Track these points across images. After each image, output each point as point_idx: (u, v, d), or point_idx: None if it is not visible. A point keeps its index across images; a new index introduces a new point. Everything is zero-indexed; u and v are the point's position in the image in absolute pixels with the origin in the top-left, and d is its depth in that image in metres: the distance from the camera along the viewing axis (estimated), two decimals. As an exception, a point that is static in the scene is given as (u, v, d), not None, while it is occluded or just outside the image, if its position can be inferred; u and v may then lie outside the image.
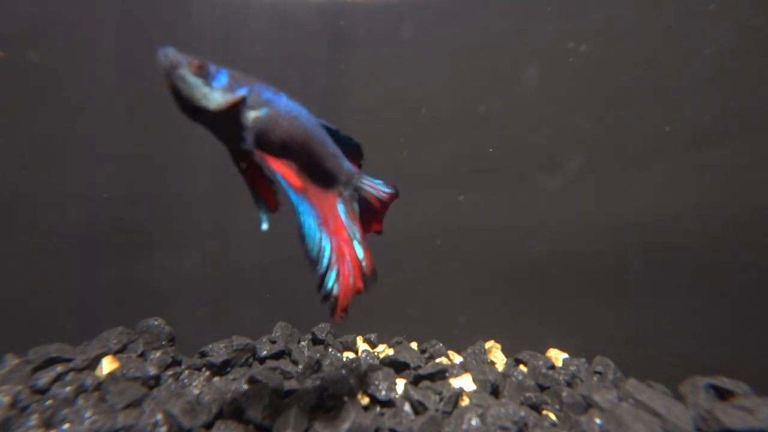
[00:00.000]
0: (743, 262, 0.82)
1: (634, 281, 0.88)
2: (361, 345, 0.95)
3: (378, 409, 0.71)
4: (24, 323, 0.86)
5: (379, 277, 0.58)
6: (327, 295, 0.52)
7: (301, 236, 0.51)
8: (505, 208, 0.94)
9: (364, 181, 0.63)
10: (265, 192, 0.53)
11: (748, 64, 0.80)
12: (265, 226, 0.50)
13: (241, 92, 0.48)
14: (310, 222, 0.51)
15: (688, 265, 0.85)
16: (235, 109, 0.48)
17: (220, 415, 0.66)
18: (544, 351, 0.92)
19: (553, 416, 0.73)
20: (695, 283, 0.85)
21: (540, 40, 0.90)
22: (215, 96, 0.46)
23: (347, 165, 0.60)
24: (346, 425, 0.62)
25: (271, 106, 0.50)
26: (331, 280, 0.52)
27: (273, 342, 0.89)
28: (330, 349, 0.90)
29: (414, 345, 0.94)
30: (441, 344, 0.93)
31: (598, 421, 0.67)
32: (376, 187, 0.64)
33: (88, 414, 0.64)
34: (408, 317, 0.97)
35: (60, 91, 0.86)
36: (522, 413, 0.67)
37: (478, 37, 0.92)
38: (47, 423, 0.65)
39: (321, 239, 0.52)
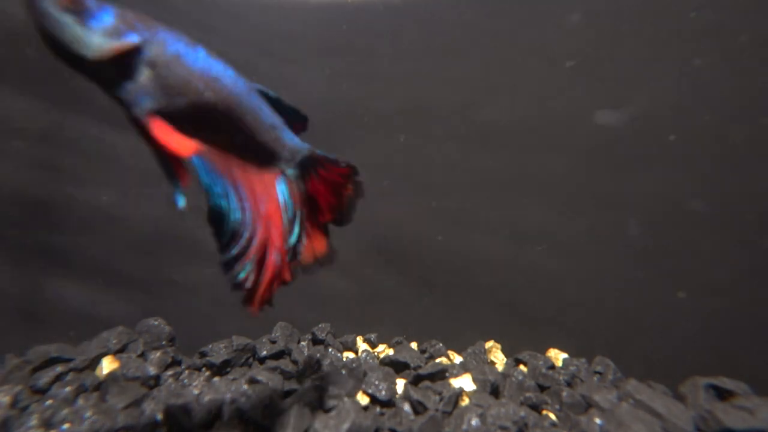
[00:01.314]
0: (743, 263, 0.82)
1: (633, 281, 0.88)
2: (361, 345, 0.95)
3: (378, 409, 0.71)
4: (24, 323, 0.86)
5: (331, 261, 0.55)
6: (239, 285, 0.47)
7: (210, 220, 0.44)
8: (505, 208, 0.93)
9: (317, 157, 0.53)
10: (176, 162, 0.42)
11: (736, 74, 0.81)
12: (181, 203, 0.40)
13: (131, 38, 0.36)
14: (224, 205, 0.45)
15: (687, 265, 0.85)
16: (125, 61, 0.37)
17: (220, 415, 0.66)
18: (544, 351, 0.92)
19: (553, 416, 0.73)
20: (695, 283, 0.84)
21: (537, 45, 0.90)
22: (93, 40, 0.35)
23: (291, 139, 0.51)
24: (346, 425, 0.62)
25: (181, 62, 0.39)
26: (245, 269, 0.47)
27: (273, 342, 0.89)
28: (330, 349, 0.90)
29: (414, 345, 0.94)
30: (441, 344, 0.93)
31: (598, 421, 0.67)
32: (330, 163, 0.55)
33: (88, 414, 0.64)
34: (408, 317, 0.97)
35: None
36: (522, 413, 0.67)
37: (477, 38, 0.92)
38: (47, 423, 0.65)
39: (241, 224, 0.46)
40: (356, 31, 0.93)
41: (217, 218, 0.45)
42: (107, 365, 0.79)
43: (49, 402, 0.69)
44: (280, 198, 0.50)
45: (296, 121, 0.54)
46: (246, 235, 0.46)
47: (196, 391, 0.75)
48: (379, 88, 0.94)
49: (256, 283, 0.48)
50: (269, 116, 0.49)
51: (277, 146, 0.50)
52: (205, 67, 0.41)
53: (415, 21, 0.93)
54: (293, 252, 0.52)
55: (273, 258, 0.48)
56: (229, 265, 0.46)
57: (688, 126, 0.84)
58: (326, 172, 0.54)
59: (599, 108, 0.89)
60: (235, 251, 0.46)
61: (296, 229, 0.52)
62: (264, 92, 0.49)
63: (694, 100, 0.84)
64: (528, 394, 0.75)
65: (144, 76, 0.38)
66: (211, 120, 0.43)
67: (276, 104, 0.51)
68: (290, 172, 0.52)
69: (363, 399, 0.72)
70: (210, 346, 0.85)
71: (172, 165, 0.41)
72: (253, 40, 0.92)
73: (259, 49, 0.92)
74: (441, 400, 0.71)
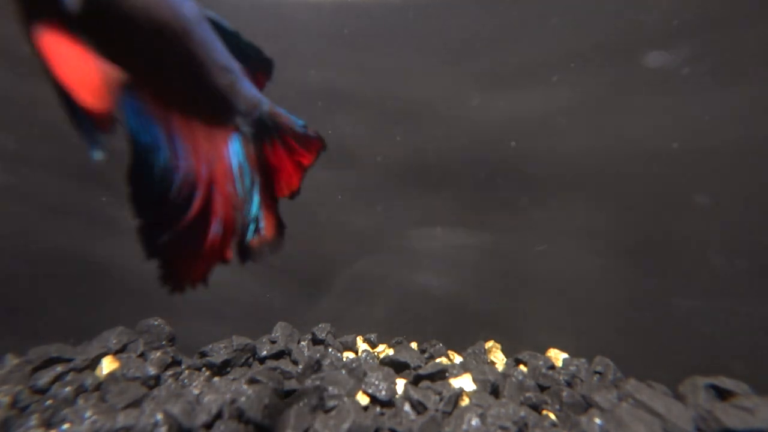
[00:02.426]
0: (743, 262, 0.82)
1: (633, 281, 0.88)
2: (361, 345, 0.95)
3: (378, 409, 0.71)
4: (24, 323, 0.86)
5: (280, 245, 0.47)
6: (157, 253, 0.38)
7: (131, 175, 0.34)
8: (504, 208, 0.94)
9: (279, 114, 0.45)
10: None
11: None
12: (98, 155, 0.29)
13: None
14: (152, 159, 0.35)
15: (687, 266, 0.85)
16: None
17: (220, 415, 0.66)
18: (544, 351, 0.92)
19: (553, 416, 0.73)
20: (695, 283, 0.84)
21: (533, 47, 0.90)
22: None
23: (249, 89, 0.43)
24: (346, 425, 0.62)
25: None
26: (172, 236, 0.37)
27: (273, 342, 0.89)
28: (330, 349, 0.90)
29: (414, 345, 0.94)
30: (441, 344, 0.93)
31: (598, 421, 0.67)
32: (294, 126, 0.46)
33: (88, 414, 0.64)
34: (408, 317, 0.97)
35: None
36: (522, 413, 0.67)
37: (474, 37, 0.92)
38: (47, 423, 0.65)
39: (171, 184, 0.36)
40: (357, 30, 0.93)
41: (141, 174, 0.35)
42: (107, 365, 0.79)
43: (49, 402, 0.69)
44: (233, 159, 0.41)
45: (259, 68, 0.45)
46: (176, 197, 0.36)
47: (196, 391, 0.75)
48: (378, 88, 0.94)
49: (185, 255, 0.39)
50: (223, 55, 0.39)
51: (231, 94, 0.40)
52: None
53: (414, 21, 0.93)
54: (252, 226, 0.44)
55: (213, 229, 0.40)
56: (148, 229, 0.36)
57: (689, 125, 0.84)
58: (292, 138, 0.46)
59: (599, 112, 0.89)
60: (158, 213, 0.36)
61: (255, 199, 0.44)
62: (218, 23, 0.39)
63: (694, 103, 0.84)
64: (528, 394, 0.75)
65: None
66: (147, 47, 0.32)
67: (233, 42, 0.41)
68: (247, 129, 0.43)
69: (363, 399, 0.72)
70: (210, 346, 0.85)
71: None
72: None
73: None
74: (441, 400, 0.71)
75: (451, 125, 0.94)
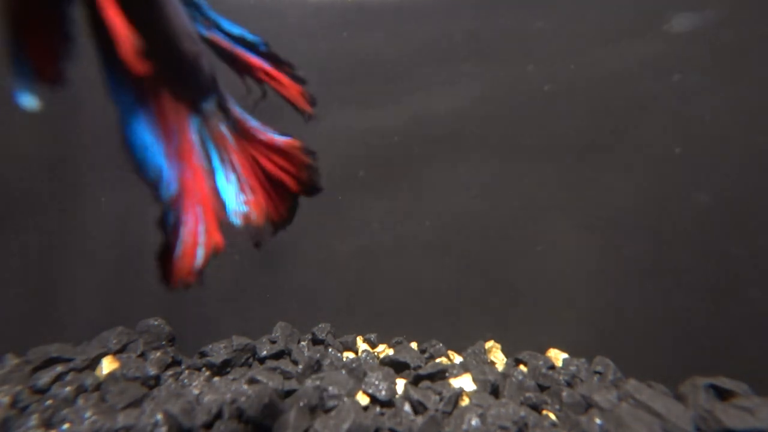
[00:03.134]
0: (743, 262, 0.82)
1: (633, 281, 0.88)
2: (361, 345, 0.95)
3: (378, 409, 0.71)
4: (24, 323, 0.86)
5: (274, 235, 0.44)
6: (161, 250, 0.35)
7: (128, 147, 0.31)
8: (503, 209, 0.94)
9: (232, 104, 0.42)
10: (40, 41, 0.27)
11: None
12: (30, 102, 0.26)
13: None
14: (142, 131, 0.31)
15: (688, 266, 0.85)
16: None
17: (220, 415, 0.66)
18: (544, 351, 0.92)
19: (553, 416, 0.73)
20: (695, 283, 0.84)
21: (530, 46, 0.91)
22: None
23: (209, 67, 0.40)
24: (346, 425, 0.62)
25: None
26: (168, 221, 0.34)
27: (273, 342, 0.89)
28: (330, 349, 0.90)
29: (414, 345, 0.94)
30: (441, 344, 0.93)
31: (598, 421, 0.67)
32: (245, 119, 0.44)
33: (88, 414, 0.64)
34: (408, 317, 0.97)
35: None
36: (522, 413, 0.67)
37: (473, 38, 0.92)
38: (47, 423, 0.65)
39: (159, 162, 0.33)
40: (356, 31, 0.93)
41: (134, 145, 0.32)
42: (107, 365, 0.79)
43: (49, 402, 0.69)
44: (193, 134, 0.38)
45: (274, 59, 0.43)
46: (166, 177, 0.33)
47: (196, 391, 0.75)
48: (377, 88, 0.94)
49: (176, 245, 0.35)
50: (190, 24, 0.36)
51: (197, 65, 0.37)
52: None
53: (414, 21, 0.93)
54: (231, 207, 0.41)
55: (194, 211, 0.36)
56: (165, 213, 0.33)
57: (686, 124, 0.84)
58: (252, 134, 0.43)
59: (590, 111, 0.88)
60: (168, 193, 0.33)
61: (228, 176, 0.40)
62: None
63: (693, 104, 0.84)
64: (528, 394, 0.75)
65: None
66: None
67: (204, 17, 0.40)
68: (208, 108, 0.39)
69: (363, 399, 0.72)
70: (210, 346, 0.85)
71: (28, 42, 0.26)
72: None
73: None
74: (441, 400, 0.71)
75: (454, 128, 0.94)
